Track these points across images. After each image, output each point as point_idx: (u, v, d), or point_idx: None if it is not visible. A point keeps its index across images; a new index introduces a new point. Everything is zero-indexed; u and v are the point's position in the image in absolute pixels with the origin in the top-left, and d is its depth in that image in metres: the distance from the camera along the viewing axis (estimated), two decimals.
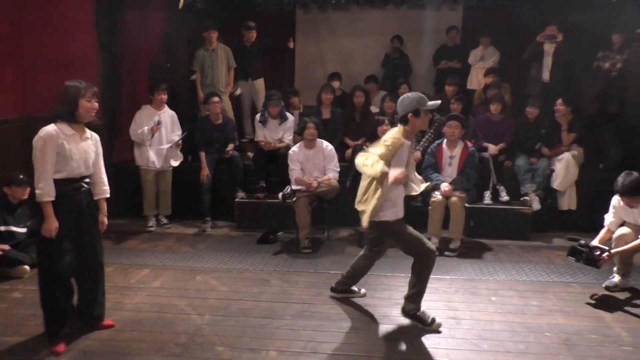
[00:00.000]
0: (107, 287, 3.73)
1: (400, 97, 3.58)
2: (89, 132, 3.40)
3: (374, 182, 3.42)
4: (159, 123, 5.82)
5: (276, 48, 7.32)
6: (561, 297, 4.13)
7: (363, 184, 3.58)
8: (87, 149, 3.34)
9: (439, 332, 3.55)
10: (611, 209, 4.28)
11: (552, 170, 5.76)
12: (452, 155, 5.31)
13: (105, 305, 3.64)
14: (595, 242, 4.13)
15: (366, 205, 3.49)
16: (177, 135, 6.02)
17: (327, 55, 8.28)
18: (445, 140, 5.38)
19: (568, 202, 5.71)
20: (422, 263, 3.59)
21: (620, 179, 3.99)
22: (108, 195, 3.56)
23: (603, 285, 4.28)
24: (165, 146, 5.92)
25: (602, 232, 4.27)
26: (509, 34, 7.28)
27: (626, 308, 3.94)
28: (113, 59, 6.31)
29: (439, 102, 3.65)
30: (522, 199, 5.68)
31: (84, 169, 3.34)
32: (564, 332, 3.55)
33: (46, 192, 3.15)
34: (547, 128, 5.92)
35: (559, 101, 5.83)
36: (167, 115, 5.99)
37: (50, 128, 3.20)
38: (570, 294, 4.19)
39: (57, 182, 3.20)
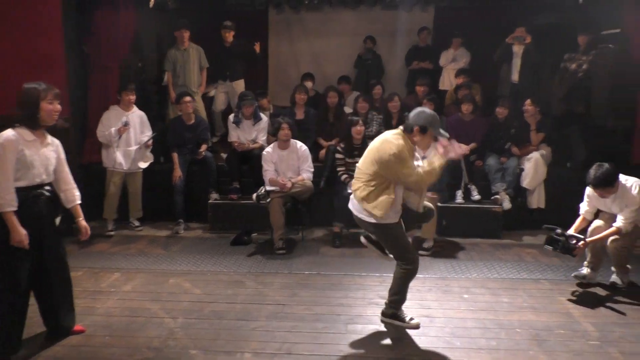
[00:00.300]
0: (77, 291, 3.65)
1: (420, 108, 3.47)
2: (50, 138, 3.29)
3: (383, 186, 3.37)
4: (126, 124, 5.68)
5: (246, 54, 7.12)
6: (531, 293, 4.21)
7: (361, 186, 3.47)
8: (48, 155, 3.23)
9: (415, 330, 3.58)
10: (585, 199, 4.38)
11: (522, 170, 5.87)
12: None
13: (75, 312, 3.55)
14: (571, 232, 4.23)
15: (374, 203, 3.40)
16: (146, 136, 5.92)
17: (300, 56, 8.27)
18: None
19: (537, 200, 5.83)
20: (406, 270, 3.55)
21: (592, 171, 4.07)
22: (80, 202, 3.46)
23: (572, 275, 4.41)
24: (134, 147, 5.80)
25: (578, 221, 4.37)
26: (480, 35, 7.40)
27: (593, 303, 4.05)
28: (82, 59, 6.18)
29: (447, 135, 3.50)
30: (493, 197, 5.78)
31: (45, 176, 3.23)
32: (534, 328, 3.63)
33: (8, 201, 3.02)
34: (516, 128, 6.04)
35: (528, 102, 5.96)
36: (136, 115, 5.87)
37: (9, 133, 3.06)
38: (539, 290, 4.28)
39: (17, 190, 3.06)
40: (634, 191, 4.02)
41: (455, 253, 5.21)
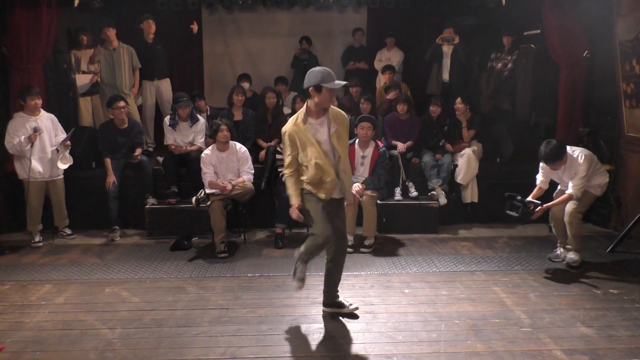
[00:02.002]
0: (3, 306, 3.45)
1: (310, 70, 3.58)
2: None
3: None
4: (36, 130, 5.29)
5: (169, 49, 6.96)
6: (468, 285, 4.38)
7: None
8: None
9: (358, 326, 3.64)
10: (540, 170, 4.78)
11: (456, 166, 6.08)
12: (364, 155, 5.43)
13: None
14: (529, 199, 4.61)
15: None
16: (62, 137, 5.53)
17: (235, 57, 8.20)
18: (357, 140, 5.51)
19: (471, 195, 6.06)
20: (314, 241, 3.59)
21: (542, 148, 4.49)
22: None
23: (548, 257, 4.74)
24: (51, 150, 5.43)
25: (535, 190, 4.76)
26: (412, 36, 7.60)
27: (525, 292, 4.25)
28: (2, 59, 5.81)
29: (343, 82, 3.63)
30: (429, 194, 5.96)
31: None
32: (471, 319, 3.77)
33: None
34: (448, 125, 6.25)
35: (458, 100, 6.18)
36: (45, 119, 5.47)
37: None
38: (475, 282, 4.46)
39: None
40: (581, 160, 4.47)
41: (395, 249, 5.33)
